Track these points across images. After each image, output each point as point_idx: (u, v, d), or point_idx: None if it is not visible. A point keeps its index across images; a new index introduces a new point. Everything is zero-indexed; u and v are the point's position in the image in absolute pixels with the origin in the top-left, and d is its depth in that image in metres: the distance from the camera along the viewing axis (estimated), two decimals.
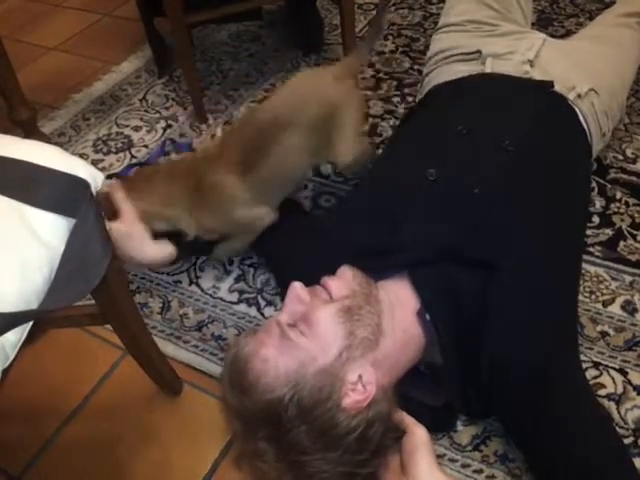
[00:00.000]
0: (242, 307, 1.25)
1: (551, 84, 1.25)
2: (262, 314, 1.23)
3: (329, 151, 1.20)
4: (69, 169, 0.69)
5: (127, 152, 1.68)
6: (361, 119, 1.25)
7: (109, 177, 1.59)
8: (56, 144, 1.71)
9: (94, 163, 1.65)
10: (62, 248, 0.64)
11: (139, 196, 1.14)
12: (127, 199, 1.13)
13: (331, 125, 1.17)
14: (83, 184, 0.67)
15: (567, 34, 1.87)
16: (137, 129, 1.76)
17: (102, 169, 1.62)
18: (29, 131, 1.55)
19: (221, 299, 1.27)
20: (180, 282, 1.31)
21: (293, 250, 1.17)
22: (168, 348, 1.18)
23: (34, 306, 0.62)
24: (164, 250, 1.16)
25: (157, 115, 1.80)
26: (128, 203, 1.12)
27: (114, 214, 1.11)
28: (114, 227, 1.09)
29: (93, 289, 0.71)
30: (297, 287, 0.90)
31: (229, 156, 1.16)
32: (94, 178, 0.71)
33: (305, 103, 1.16)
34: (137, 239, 1.13)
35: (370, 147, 1.30)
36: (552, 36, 1.58)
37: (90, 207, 0.66)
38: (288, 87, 1.23)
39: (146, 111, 1.83)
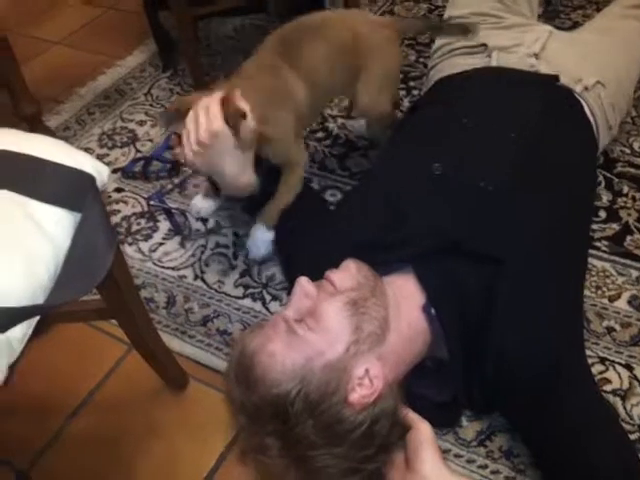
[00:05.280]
0: (247, 302, 1.24)
1: (557, 78, 1.24)
2: (267, 309, 1.22)
3: (353, 88, 1.25)
4: (74, 163, 0.69)
5: (132, 146, 1.68)
6: (392, 73, 1.30)
7: (114, 172, 1.59)
8: (61, 138, 1.70)
9: (99, 157, 1.64)
10: (68, 242, 0.64)
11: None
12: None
13: (359, 63, 1.23)
14: (89, 178, 0.67)
15: (574, 26, 1.85)
16: (142, 123, 1.75)
17: (107, 163, 1.62)
18: (34, 125, 1.55)
19: (226, 294, 1.26)
20: (185, 277, 1.31)
21: (301, 244, 1.17)
22: (173, 343, 1.18)
23: (40, 301, 0.62)
24: (251, 180, 1.14)
25: (162, 109, 1.80)
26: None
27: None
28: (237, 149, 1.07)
29: (99, 283, 0.71)
30: (304, 282, 0.89)
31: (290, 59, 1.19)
32: (99, 172, 0.70)
33: (339, 27, 1.22)
34: (245, 165, 1.11)
35: (394, 112, 1.36)
36: (559, 28, 1.56)
37: (95, 201, 0.66)
38: (333, 12, 1.30)
39: (151, 105, 1.82)
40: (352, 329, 0.85)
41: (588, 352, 1.07)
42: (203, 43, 2.04)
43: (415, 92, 1.73)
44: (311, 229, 1.16)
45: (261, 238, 1.24)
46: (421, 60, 1.84)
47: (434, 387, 0.98)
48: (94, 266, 0.64)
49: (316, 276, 0.93)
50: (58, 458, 1.07)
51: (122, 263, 0.87)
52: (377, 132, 1.37)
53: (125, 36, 2.16)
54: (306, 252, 1.12)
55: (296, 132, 1.20)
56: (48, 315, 1.00)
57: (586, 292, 1.17)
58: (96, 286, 0.85)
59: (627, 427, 0.99)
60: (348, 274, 0.92)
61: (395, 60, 1.32)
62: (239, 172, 1.11)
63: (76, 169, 0.67)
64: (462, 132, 1.12)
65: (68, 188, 0.65)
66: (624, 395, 1.03)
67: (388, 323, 0.89)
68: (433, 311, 0.94)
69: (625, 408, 1.02)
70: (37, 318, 0.64)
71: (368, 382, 0.83)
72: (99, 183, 0.69)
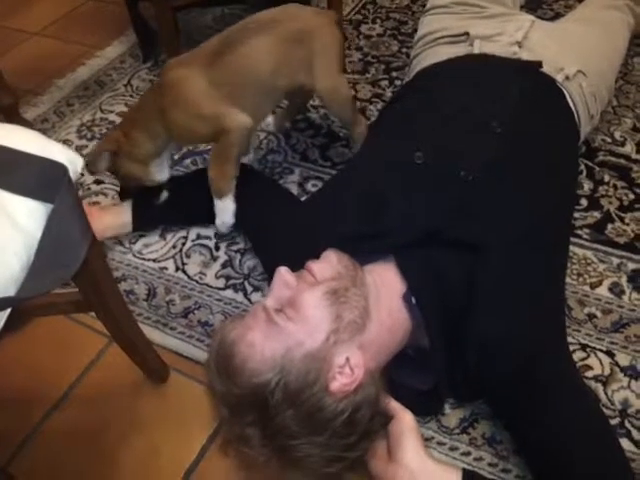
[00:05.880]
0: (229, 293, 1.23)
1: (539, 64, 1.24)
2: (249, 300, 1.22)
3: (308, 75, 1.26)
4: (47, 153, 0.67)
5: None
6: (340, 54, 1.30)
7: None
8: (39, 130, 1.67)
9: (78, 149, 1.62)
10: (40, 234, 0.63)
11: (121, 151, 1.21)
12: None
13: (307, 49, 1.23)
14: (61, 168, 0.65)
15: (556, 17, 1.85)
16: (122, 115, 1.73)
17: (86, 156, 1.60)
18: (11, 117, 1.53)
19: (207, 285, 1.25)
20: (166, 268, 1.30)
21: (280, 236, 1.16)
22: (154, 335, 1.17)
23: (12, 293, 0.61)
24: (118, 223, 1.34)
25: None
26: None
27: None
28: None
29: (74, 275, 0.70)
30: (283, 272, 0.89)
31: (197, 56, 1.20)
32: (72, 162, 0.69)
33: (279, 19, 1.23)
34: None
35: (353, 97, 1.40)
36: (541, 19, 1.57)
37: (68, 192, 0.64)
38: (269, 10, 1.28)
39: (131, 96, 1.80)
40: (332, 318, 0.84)
41: (570, 339, 1.08)
42: (183, 33, 2.01)
43: (398, 82, 1.72)
44: (286, 220, 1.16)
45: (222, 210, 1.25)
46: (404, 50, 1.84)
47: (416, 376, 0.98)
48: (68, 256, 0.63)
49: (296, 267, 0.92)
50: (39, 452, 1.06)
51: (99, 255, 0.86)
52: (344, 123, 1.39)
53: (105, 27, 2.14)
54: (287, 244, 1.11)
55: (211, 114, 1.19)
56: (24, 308, 0.99)
57: (567, 279, 1.17)
58: (73, 278, 0.85)
59: (608, 412, 1.00)
60: (328, 264, 0.91)
61: (341, 41, 1.32)
62: None
63: (48, 159, 0.65)
64: (443, 121, 1.11)
65: (40, 179, 0.64)
66: (605, 381, 1.04)
67: (368, 312, 0.88)
68: (414, 300, 0.94)
69: (606, 394, 1.02)
70: (9, 311, 0.63)
71: (349, 371, 0.83)
72: (72, 173, 0.68)
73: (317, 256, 0.94)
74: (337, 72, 1.29)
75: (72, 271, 0.63)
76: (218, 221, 1.26)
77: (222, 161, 1.21)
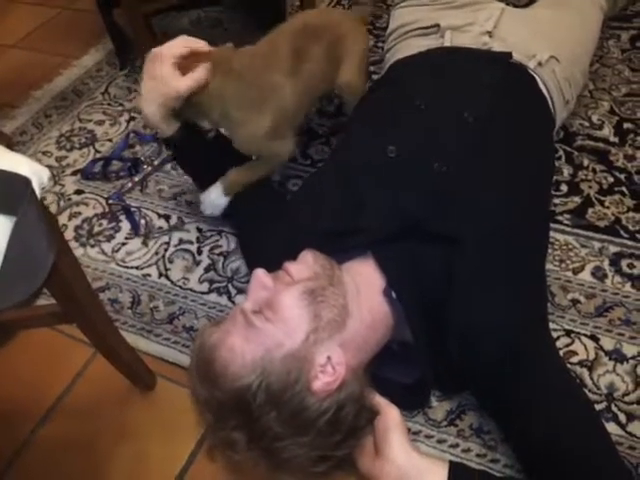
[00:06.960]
0: (213, 297, 1.23)
1: (509, 55, 1.23)
2: (233, 302, 1.21)
3: (336, 75, 1.29)
4: (9, 167, 0.67)
5: (91, 147, 1.65)
6: (365, 53, 1.36)
7: (74, 174, 1.57)
8: (18, 143, 1.68)
9: (58, 160, 1.62)
10: (4, 247, 0.62)
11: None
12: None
13: (341, 51, 1.28)
14: (24, 181, 0.65)
15: (531, 3, 1.85)
16: (100, 123, 1.73)
17: (66, 166, 1.60)
18: None
19: (191, 290, 1.25)
20: (149, 275, 1.29)
21: (261, 235, 1.16)
22: (140, 343, 1.16)
23: None
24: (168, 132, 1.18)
25: (120, 108, 1.77)
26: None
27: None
28: (182, 85, 1.10)
29: (48, 286, 0.69)
30: (260, 274, 0.89)
31: (282, 58, 1.20)
32: (37, 174, 0.68)
33: (326, 24, 1.28)
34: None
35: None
36: (515, 6, 1.56)
37: (31, 204, 0.64)
38: (312, 12, 1.36)
39: (109, 104, 1.80)
40: (310, 317, 0.84)
41: (554, 325, 1.08)
42: (160, 38, 2.00)
43: (375, 77, 1.71)
44: (270, 221, 1.15)
45: (215, 200, 1.23)
46: (380, 45, 1.83)
47: (402, 370, 0.98)
48: (34, 269, 0.63)
49: (276, 268, 0.92)
50: (29, 465, 1.05)
51: (74, 266, 0.85)
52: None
53: (80, 36, 2.13)
54: (266, 244, 1.11)
55: (276, 132, 1.19)
56: (5, 323, 0.99)
57: (550, 266, 1.17)
58: (48, 289, 0.84)
59: (594, 397, 1.00)
60: (305, 265, 0.91)
61: (366, 40, 1.38)
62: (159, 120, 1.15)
63: (9, 172, 0.65)
64: (415, 113, 1.11)
65: (2, 192, 0.64)
66: (590, 366, 1.04)
67: (347, 310, 0.88)
68: (394, 294, 0.94)
69: (592, 379, 1.02)
70: None
71: (330, 369, 0.83)
72: (37, 185, 0.67)
73: (295, 257, 0.94)
74: (359, 72, 1.32)
75: (39, 283, 0.63)
76: (209, 206, 1.25)
77: (253, 174, 1.23)
